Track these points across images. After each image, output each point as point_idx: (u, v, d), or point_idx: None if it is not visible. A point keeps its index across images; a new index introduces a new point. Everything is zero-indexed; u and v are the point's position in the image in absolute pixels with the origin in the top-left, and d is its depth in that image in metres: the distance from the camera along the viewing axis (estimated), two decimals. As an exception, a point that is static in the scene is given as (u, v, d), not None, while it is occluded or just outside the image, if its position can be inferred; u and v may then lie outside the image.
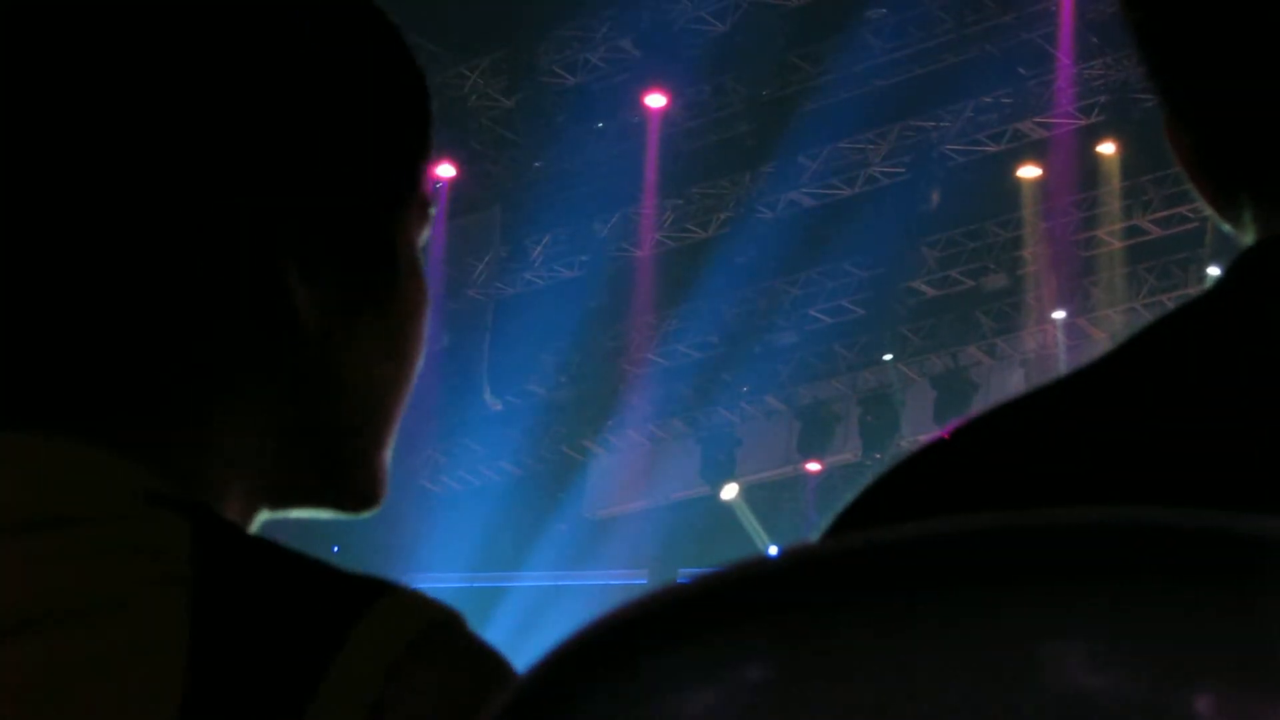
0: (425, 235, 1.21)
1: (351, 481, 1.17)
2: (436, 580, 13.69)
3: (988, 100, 12.96)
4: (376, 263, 1.17)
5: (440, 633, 1.01)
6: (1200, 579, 0.51)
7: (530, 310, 14.62)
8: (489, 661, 1.03)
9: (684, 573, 14.00)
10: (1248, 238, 1.00)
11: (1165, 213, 13.02)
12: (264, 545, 1.05)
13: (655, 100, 13.26)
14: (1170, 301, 12.90)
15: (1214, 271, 12.23)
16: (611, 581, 15.36)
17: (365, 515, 1.19)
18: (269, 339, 1.11)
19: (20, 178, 1.09)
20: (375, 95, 1.18)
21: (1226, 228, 1.02)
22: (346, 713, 0.96)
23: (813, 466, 15.51)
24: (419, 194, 1.19)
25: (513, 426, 15.44)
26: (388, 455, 1.19)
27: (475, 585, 14.40)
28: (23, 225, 1.09)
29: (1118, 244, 13.68)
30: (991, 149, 13.24)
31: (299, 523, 1.23)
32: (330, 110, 1.14)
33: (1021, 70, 12.66)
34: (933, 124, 13.21)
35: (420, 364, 1.20)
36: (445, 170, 13.49)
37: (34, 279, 1.09)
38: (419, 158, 1.20)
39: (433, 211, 1.22)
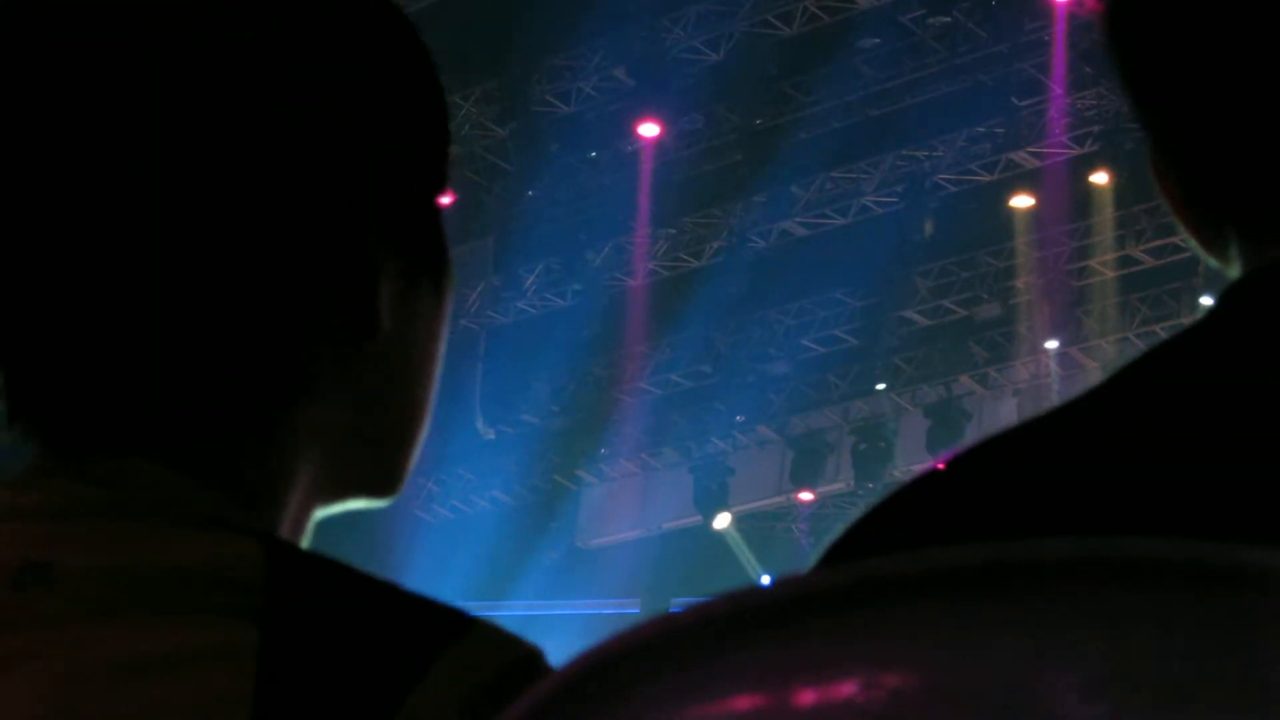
0: None
1: (387, 478, 1.15)
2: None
3: (980, 130, 12.98)
4: (432, 254, 1.15)
5: (522, 670, 0.98)
6: (1194, 610, 0.51)
7: (523, 339, 14.62)
8: None
9: (676, 602, 13.98)
10: (1233, 270, 1.00)
11: (1158, 242, 13.03)
12: (339, 570, 1.03)
13: (648, 129, 13.27)
14: (1163, 331, 12.92)
15: (1207, 301, 12.25)
16: (603, 610, 15.34)
17: (386, 502, 1.16)
18: (353, 347, 1.09)
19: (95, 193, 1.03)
20: (413, 85, 1.15)
21: (1212, 261, 1.03)
22: None
23: (805, 496, 15.50)
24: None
25: (505, 455, 15.44)
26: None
27: (467, 614, 14.34)
28: (105, 246, 1.03)
29: (1110, 274, 13.70)
30: (984, 178, 13.26)
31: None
32: (382, 103, 1.11)
33: (1014, 100, 12.68)
34: (925, 153, 13.23)
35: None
36: (438, 198, 13.48)
37: (129, 301, 1.03)
38: (445, 150, 1.17)
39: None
